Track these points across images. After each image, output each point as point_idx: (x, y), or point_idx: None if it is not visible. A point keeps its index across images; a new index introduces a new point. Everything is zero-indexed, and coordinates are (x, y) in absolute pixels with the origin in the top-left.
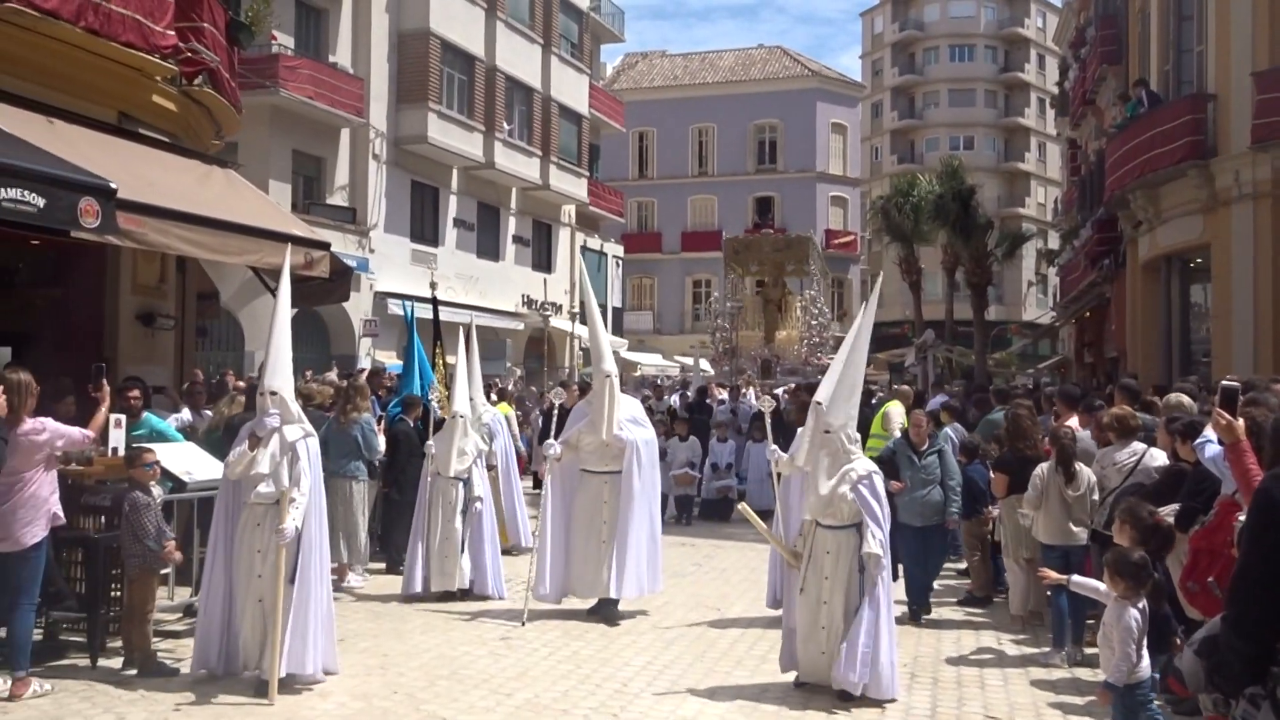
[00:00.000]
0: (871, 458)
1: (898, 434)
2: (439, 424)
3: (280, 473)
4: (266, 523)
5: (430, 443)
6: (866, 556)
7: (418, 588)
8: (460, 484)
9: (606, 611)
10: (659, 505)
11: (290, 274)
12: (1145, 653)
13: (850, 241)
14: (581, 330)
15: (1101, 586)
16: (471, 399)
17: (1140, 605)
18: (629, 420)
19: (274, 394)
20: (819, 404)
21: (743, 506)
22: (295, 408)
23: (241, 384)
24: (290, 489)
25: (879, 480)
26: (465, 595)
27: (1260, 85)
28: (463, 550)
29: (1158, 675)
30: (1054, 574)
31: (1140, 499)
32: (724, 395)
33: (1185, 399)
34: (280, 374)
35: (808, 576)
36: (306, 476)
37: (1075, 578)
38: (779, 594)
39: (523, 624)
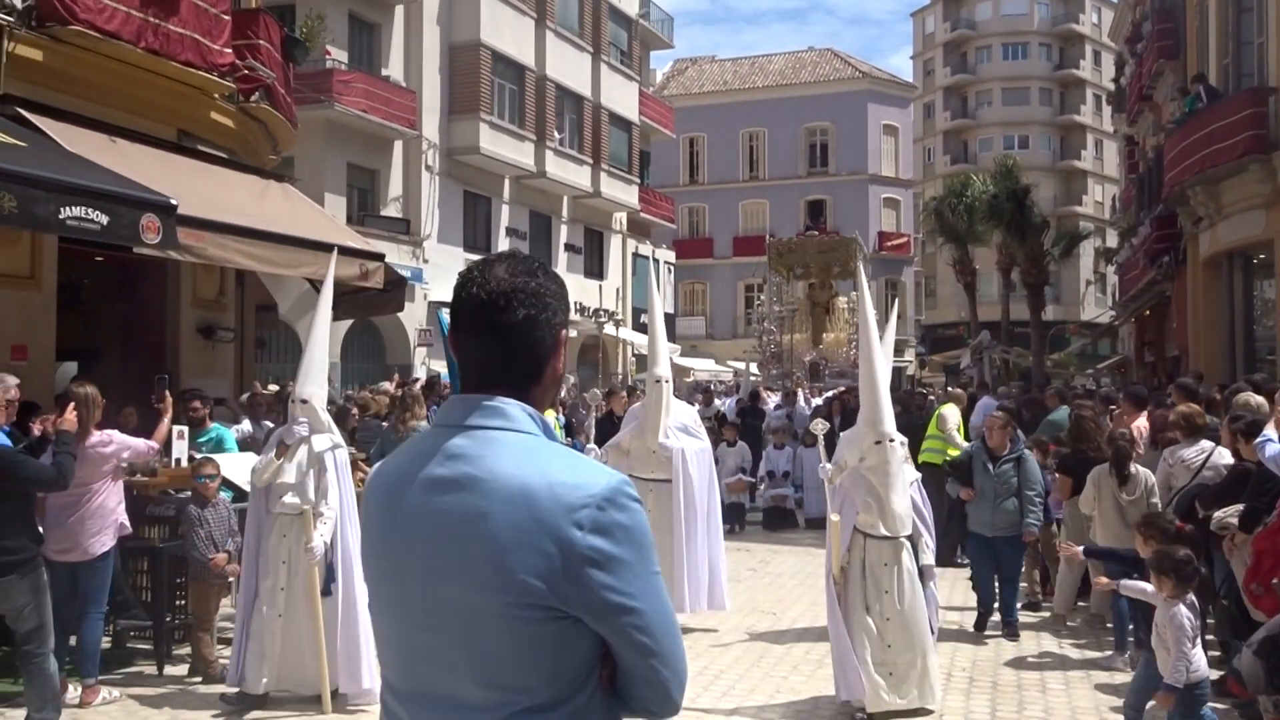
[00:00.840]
0: (942, 462)
1: (954, 434)
2: None
3: (306, 484)
4: (293, 534)
5: None
6: (925, 569)
7: None
8: None
9: None
10: (719, 516)
11: (346, 285)
12: (1201, 650)
13: (903, 243)
14: (632, 336)
15: (1149, 588)
16: None
17: (1189, 601)
18: (679, 428)
19: (305, 402)
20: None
21: (835, 519)
22: (326, 417)
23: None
24: (318, 503)
25: (920, 485)
26: None
27: None
28: None
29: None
30: (1105, 579)
31: (1203, 499)
32: (776, 399)
33: (1254, 397)
34: (313, 382)
35: (868, 592)
36: (335, 489)
37: (1125, 582)
38: None
39: None
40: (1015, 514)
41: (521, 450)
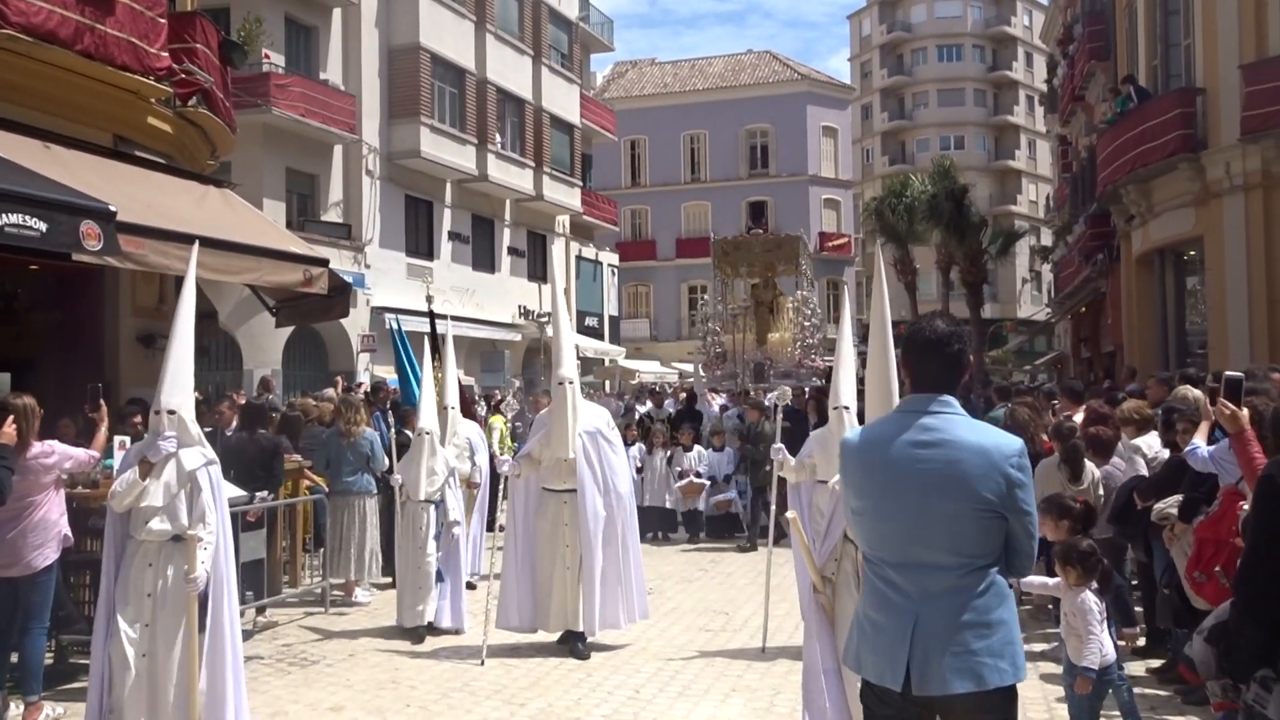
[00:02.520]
0: None
1: None
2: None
3: (177, 506)
4: (160, 563)
5: (395, 474)
6: None
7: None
8: (432, 507)
9: (573, 645)
10: (634, 524)
11: (289, 291)
12: (1108, 634)
13: (844, 244)
14: (579, 340)
15: (1050, 581)
16: (450, 408)
17: (1093, 587)
18: (590, 432)
19: (171, 413)
20: (847, 409)
21: (791, 516)
22: (196, 430)
23: (242, 400)
24: (194, 526)
25: None
26: (431, 630)
27: (1248, 78)
28: (440, 581)
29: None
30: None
31: (1142, 491)
32: (721, 400)
33: (1192, 392)
34: (180, 390)
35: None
36: (212, 512)
37: (1024, 579)
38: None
39: (481, 663)
40: None
41: (967, 424)
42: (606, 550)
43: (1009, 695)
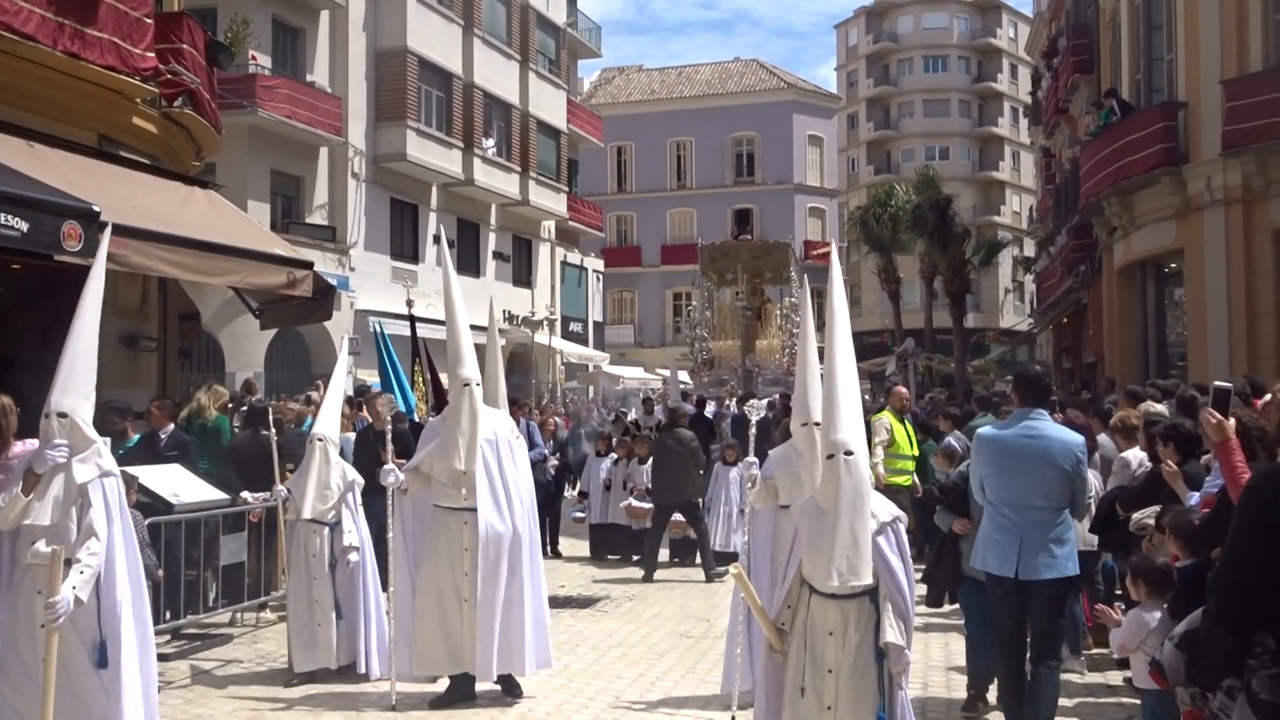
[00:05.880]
0: (908, 484)
1: (879, 450)
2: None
3: (66, 525)
4: (49, 591)
5: (282, 487)
6: (886, 647)
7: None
8: (326, 530)
9: (462, 690)
10: (538, 552)
11: (273, 294)
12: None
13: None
14: (562, 344)
15: (1113, 615)
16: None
17: (1162, 608)
18: (488, 441)
19: (63, 417)
20: (816, 424)
21: (736, 571)
22: (92, 434)
23: (222, 389)
24: (77, 549)
25: (903, 529)
26: (342, 673)
27: (1229, 93)
28: (339, 616)
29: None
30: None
31: (1123, 501)
32: (712, 408)
33: (1155, 405)
34: (74, 392)
35: (805, 671)
36: (102, 529)
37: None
38: (745, 684)
39: (393, 706)
40: None
41: (1052, 425)
42: (511, 578)
43: (1069, 583)
